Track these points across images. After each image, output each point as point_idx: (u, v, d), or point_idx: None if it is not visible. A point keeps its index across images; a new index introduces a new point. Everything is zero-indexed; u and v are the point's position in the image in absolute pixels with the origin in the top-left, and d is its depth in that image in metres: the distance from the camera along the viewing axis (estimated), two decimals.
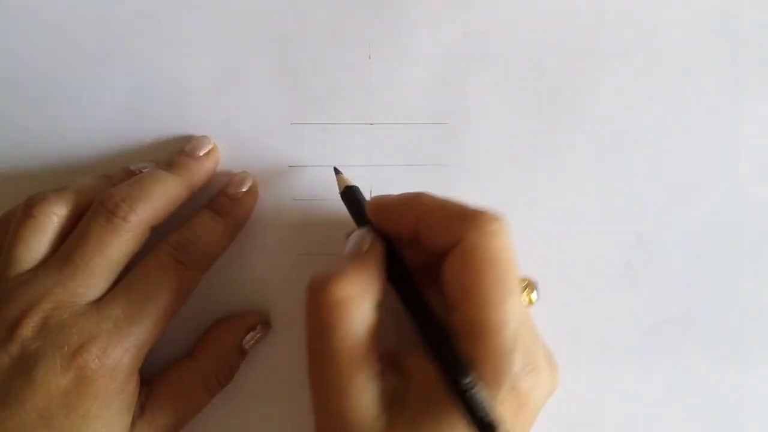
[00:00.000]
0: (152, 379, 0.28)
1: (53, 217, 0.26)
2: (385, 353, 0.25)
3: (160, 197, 0.27)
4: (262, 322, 0.30)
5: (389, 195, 0.26)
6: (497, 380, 0.23)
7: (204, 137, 0.30)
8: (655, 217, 0.31)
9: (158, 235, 0.28)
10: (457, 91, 0.31)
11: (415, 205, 0.25)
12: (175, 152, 0.29)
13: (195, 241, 0.27)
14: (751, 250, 0.31)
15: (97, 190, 0.27)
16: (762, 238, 0.31)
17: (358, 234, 0.26)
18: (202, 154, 0.29)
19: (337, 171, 0.29)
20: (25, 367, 0.24)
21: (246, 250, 0.30)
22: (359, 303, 0.24)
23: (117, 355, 0.25)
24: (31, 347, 0.24)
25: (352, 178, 0.30)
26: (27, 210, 0.26)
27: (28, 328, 0.24)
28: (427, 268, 0.26)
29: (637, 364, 0.31)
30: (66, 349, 0.24)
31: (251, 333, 0.30)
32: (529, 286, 0.28)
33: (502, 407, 0.23)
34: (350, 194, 0.28)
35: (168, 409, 0.27)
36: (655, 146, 0.31)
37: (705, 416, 0.31)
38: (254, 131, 0.31)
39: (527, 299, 0.28)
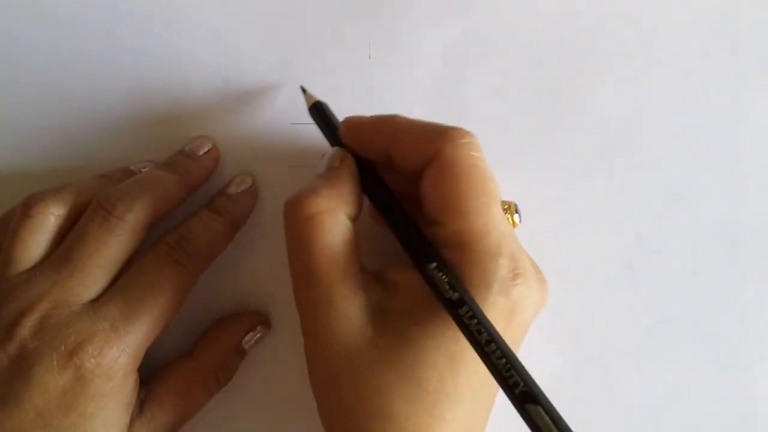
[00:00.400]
0: (151, 378, 0.28)
1: (51, 217, 0.26)
2: (369, 270, 0.26)
3: (158, 197, 0.27)
4: (262, 322, 0.30)
5: (362, 115, 0.27)
6: (487, 283, 0.23)
7: (204, 137, 0.30)
8: (655, 217, 0.31)
9: (157, 234, 0.28)
10: (457, 91, 0.31)
11: (389, 124, 0.26)
12: (175, 152, 0.29)
13: (193, 240, 0.27)
14: (751, 250, 0.31)
15: (95, 189, 0.27)
16: (762, 238, 0.31)
17: (329, 153, 0.27)
18: (201, 153, 0.29)
19: (303, 89, 0.30)
20: (23, 366, 0.24)
21: (246, 249, 0.30)
22: (334, 216, 0.24)
23: (113, 354, 0.25)
24: (29, 346, 0.24)
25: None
26: (25, 210, 0.26)
27: (26, 328, 0.24)
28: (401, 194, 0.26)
29: (637, 364, 0.31)
30: (63, 348, 0.24)
31: (251, 333, 0.30)
32: (511, 207, 0.28)
33: (493, 312, 0.23)
34: (319, 110, 0.28)
35: (167, 408, 0.27)
36: (655, 146, 0.31)
37: (705, 416, 0.31)
38: (254, 131, 0.31)
39: (511, 221, 0.28)
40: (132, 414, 0.27)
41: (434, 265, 0.23)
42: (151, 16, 0.30)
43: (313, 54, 0.31)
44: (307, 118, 0.30)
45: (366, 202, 0.27)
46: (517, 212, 0.27)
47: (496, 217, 0.24)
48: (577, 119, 0.31)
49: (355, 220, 0.26)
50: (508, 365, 0.21)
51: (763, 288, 0.31)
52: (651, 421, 0.31)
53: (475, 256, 0.23)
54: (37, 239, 0.26)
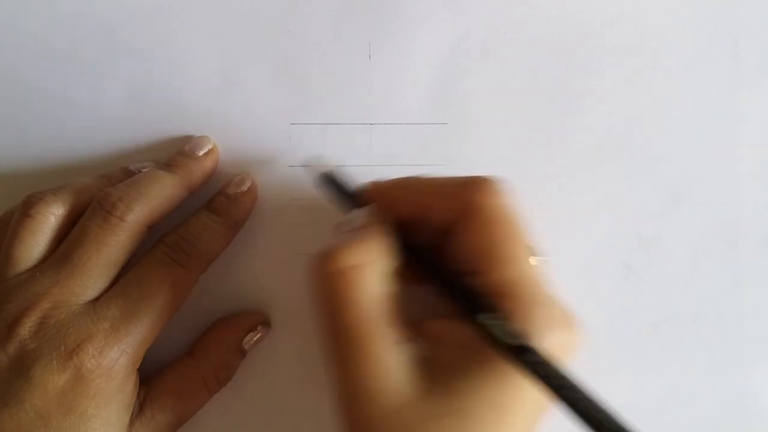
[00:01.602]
0: (151, 378, 0.28)
1: (51, 217, 0.26)
2: (409, 322, 0.24)
3: (158, 197, 0.27)
4: (262, 322, 0.30)
5: (380, 180, 0.26)
6: (531, 332, 0.22)
7: (204, 137, 0.30)
8: (655, 217, 0.31)
9: (157, 234, 0.28)
10: (457, 91, 0.31)
11: (415, 184, 0.25)
12: (175, 152, 0.29)
13: (192, 241, 0.27)
14: (751, 250, 0.31)
15: (95, 189, 0.27)
16: (762, 238, 0.31)
17: (355, 213, 0.26)
18: (201, 154, 0.29)
19: (308, 166, 0.30)
20: (23, 366, 0.24)
21: (246, 250, 0.30)
22: (365, 270, 0.23)
23: (114, 355, 0.25)
24: (29, 347, 0.24)
25: (352, 177, 0.30)
26: (25, 210, 0.26)
27: (26, 328, 0.24)
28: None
29: (637, 364, 0.31)
30: (63, 348, 0.24)
31: (251, 333, 0.30)
32: (530, 250, 0.28)
33: None
34: (331, 178, 0.28)
35: (167, 408, 0.27)
36: (655, 146, 0.31)
37: (705, 416, 0.31)
38: (254, 131, 0.31)
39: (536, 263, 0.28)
40: (132, 414, 0.26)
41: (489, 314, 0.23)
42: (151, 16, 0.30)
43: (313, 54, 0.31)
44: (307, 118, 0.30)
45: None
46: (537, 254, 0.28)
47: (534, 265, 0.24)
48: (576, 119, 0.31)
49: (389, 275, 0.25)
50: (588, 405, 0.21)
51: (763, 288, 0.31)
52: (651, 421, 0.31)
53: (519, 305, 0.23)
54: (37, 239, 0.26)
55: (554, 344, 0.23)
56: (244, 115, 0.31)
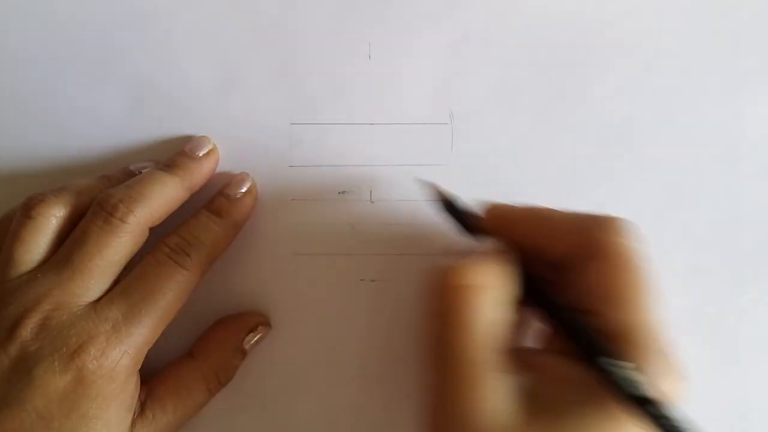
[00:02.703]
0: (152, 378, 0.28)
1: (52, 219, 0.26)
2: (515, 352, 0.24)
3: (158, 198, 0.27)
4: (263, 322, 0.30)
5: (505, 204, 0.26)
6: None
7: (204, 137, 0.30)
8: (655, 217, 0.31)
9: (158, 235, 0.28)
10: (457, 91, 0.31)
11: (539, 215, 0.25)
12: (175, 153, 0.29)
13: (193, 242, 0.27)
14: (751, 250, 0.31)
15: (96, 190, 0.27)
16: (762, 238, 0.31)
17: (479, 238, 0.26)
18: (201, 154, 0.29)
19: (434, 187, 0.29)
20: (24, 368, 0.24)
21: (246, 250, 0.30)
22: (483, 292, 0.23)
23: (115, 356, 0.25)
24: (31, 348, 0.24)
25: (352, 177, 0.30)
26: (26, 211, 0.26)
27: (27, 329, 0.24)
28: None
29: None
30: (64, 350, 0.24)
31: (251, 333, 0.30)
32: (652, 296, 0.27)
33: None
34: (450, 203, 0.28)
35: (168, 409, 0.28)
36: (655, 146, 0.31)
37: (704, 416, 0.31)
38: (254, 131, 0.31)
39: None
40: (133, 415, 0.27)
41: (611, 359, 0.22)
42: (150, 16, 0.30)
43: (313, 54, 0.31)
44: (307, 118, 0.30)
45: None
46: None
47: (655, 314, 0.23)
48: (577, 119, 0.31)
49: (506, 303, 0.24)
50: None
51: (762, 288, 0.31)
52: None
53: (637, 352, 0.22)
54: (38, 240, 0.26)
55: (664, 393, 0.22)
56: (244, 115, 0.31)
